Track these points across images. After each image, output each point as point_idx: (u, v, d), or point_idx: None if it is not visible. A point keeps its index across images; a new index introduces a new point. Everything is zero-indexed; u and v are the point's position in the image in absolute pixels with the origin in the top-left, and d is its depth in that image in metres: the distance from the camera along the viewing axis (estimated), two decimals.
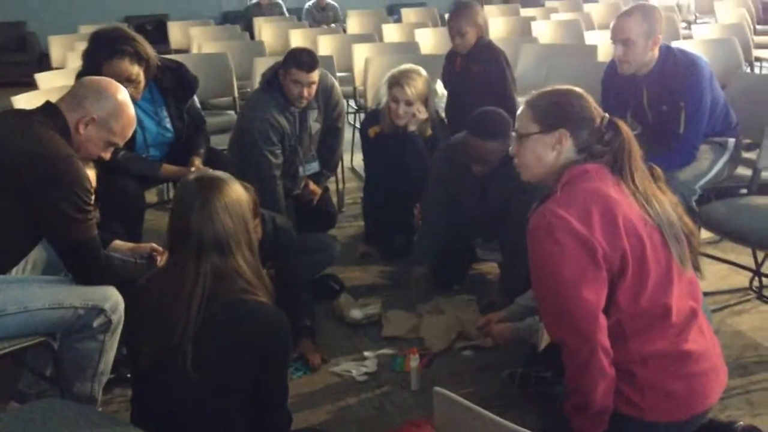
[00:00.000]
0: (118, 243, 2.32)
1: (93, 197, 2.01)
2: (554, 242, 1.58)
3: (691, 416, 1.66)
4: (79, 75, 2.65)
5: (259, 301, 1.63)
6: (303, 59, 3.16)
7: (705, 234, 2.87)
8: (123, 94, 2.13)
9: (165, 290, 1.63)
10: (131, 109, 2.15)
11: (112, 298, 2.02)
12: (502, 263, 3.02)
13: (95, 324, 2.00)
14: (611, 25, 2.89)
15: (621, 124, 1.72)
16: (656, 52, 2.83)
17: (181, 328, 1.56)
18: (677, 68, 2.82)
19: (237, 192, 1.70)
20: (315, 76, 3.20)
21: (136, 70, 2.78)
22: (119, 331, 2.03)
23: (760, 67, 7.36)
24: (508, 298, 2.57)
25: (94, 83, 2.12)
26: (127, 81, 2.69)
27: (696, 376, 1.66)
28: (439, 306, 2.92)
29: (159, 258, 2.25)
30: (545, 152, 1.74)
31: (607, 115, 1.76)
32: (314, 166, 3.58)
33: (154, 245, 2.31)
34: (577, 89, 1.79)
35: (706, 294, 2.64)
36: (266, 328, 1.62)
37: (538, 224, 1.62)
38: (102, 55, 2.73)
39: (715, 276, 3.10)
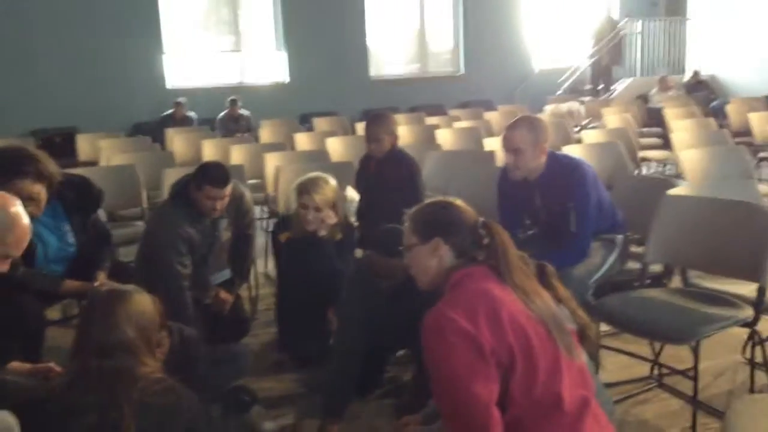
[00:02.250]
0: (15, 365, 2.22)
1: None
2: (444, 342, 1.65)
3: None
4: None
5: (175, 385, 1.79)
6: (217, 175, 3.19)
7: (606, 326, 2.99)
8: (15, 206, 2.08)
9: (74, 393, 1.71)
10: (25, 220, 2.09)
11: (2, 424, 1.92)
12: (415, 366, 3.04)
13: None
14: (501, 136, 3.11)
15: (495, 227, 1.86)
16: (543, 159, 3.05)
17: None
18: (563, 172, 3.03)
19: (142, 303, 1.83)
20: (228, 189, 3.24)
21: (38, 189, 2.76)
22: None
23: (648, 167, 7.95)
24: (421, 400, 2.58)
25: None
26: (28, 199, 2.65)
27: None
28: (353, 411, 2.89)
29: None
30: (428, 260, 1.87)
31: (481, 219, 1.89)
32: (225, 274, 3.57)
33: (53, 365, 2.22)
34: (450, 199, 1.94)
35: (608, 385, 2.74)
36: (189, 405, 1.79)
37: (429, 326, 1.70)
38: (4, 175, 2.70)
39: (617, 366, 3.17)
